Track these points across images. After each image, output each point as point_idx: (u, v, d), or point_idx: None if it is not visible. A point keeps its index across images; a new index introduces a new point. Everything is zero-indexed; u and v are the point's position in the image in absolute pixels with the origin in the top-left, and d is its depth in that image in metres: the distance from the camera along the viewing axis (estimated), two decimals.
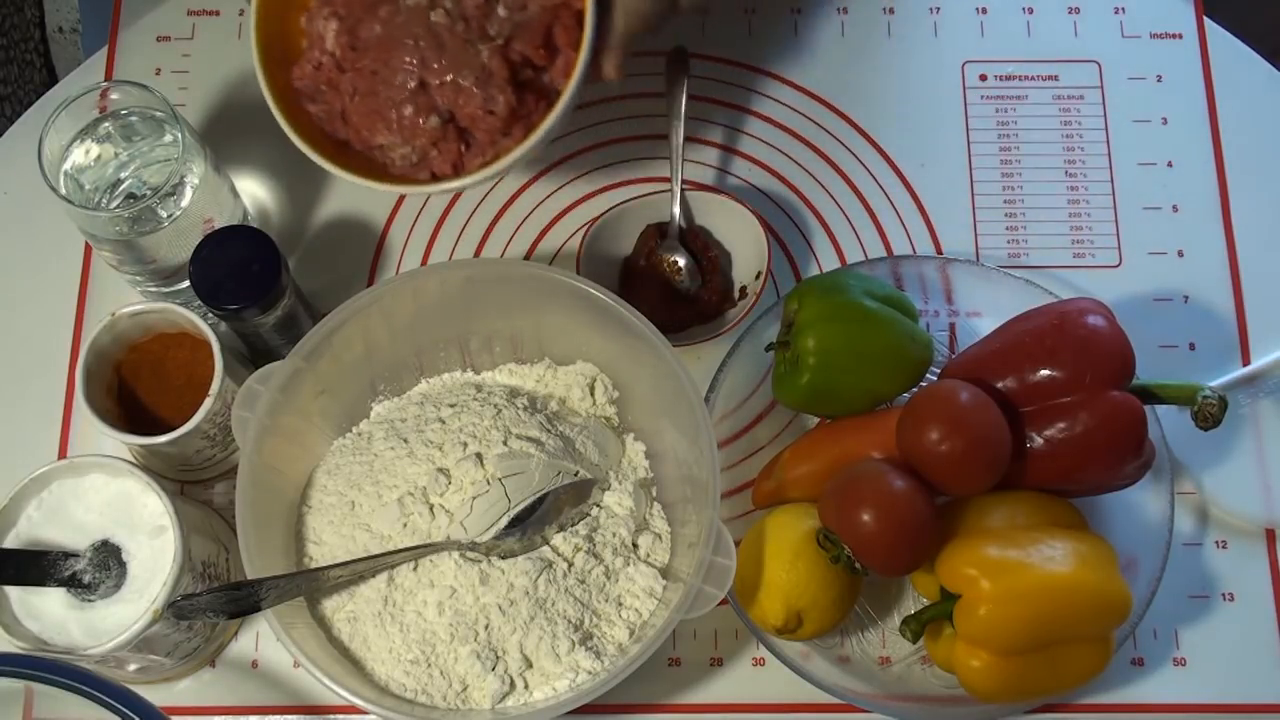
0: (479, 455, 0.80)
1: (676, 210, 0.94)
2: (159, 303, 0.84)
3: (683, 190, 0.94)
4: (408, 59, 0.77)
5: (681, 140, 0.94)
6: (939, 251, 0.99)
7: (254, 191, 0.99)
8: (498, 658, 0.77)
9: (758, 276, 0.93)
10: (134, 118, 0.84)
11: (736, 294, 0.95)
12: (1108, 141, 1.02)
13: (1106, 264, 0.98)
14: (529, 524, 0.80)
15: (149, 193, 0.81)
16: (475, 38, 0.78)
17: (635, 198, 0.95)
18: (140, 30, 1.04)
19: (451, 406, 0.84)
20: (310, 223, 0.98)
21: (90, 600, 0.77)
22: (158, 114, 0.84)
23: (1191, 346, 0.96)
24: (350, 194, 0.98)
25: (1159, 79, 1.04)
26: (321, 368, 0.81)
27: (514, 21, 0.78)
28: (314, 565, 0.80)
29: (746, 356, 0.90)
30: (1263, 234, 0.99)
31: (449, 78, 0.77)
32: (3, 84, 1.24)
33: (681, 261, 0.94)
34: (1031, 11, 1.06)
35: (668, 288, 0.93)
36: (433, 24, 0.78)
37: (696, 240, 0.95)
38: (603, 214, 0.93)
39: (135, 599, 0.77)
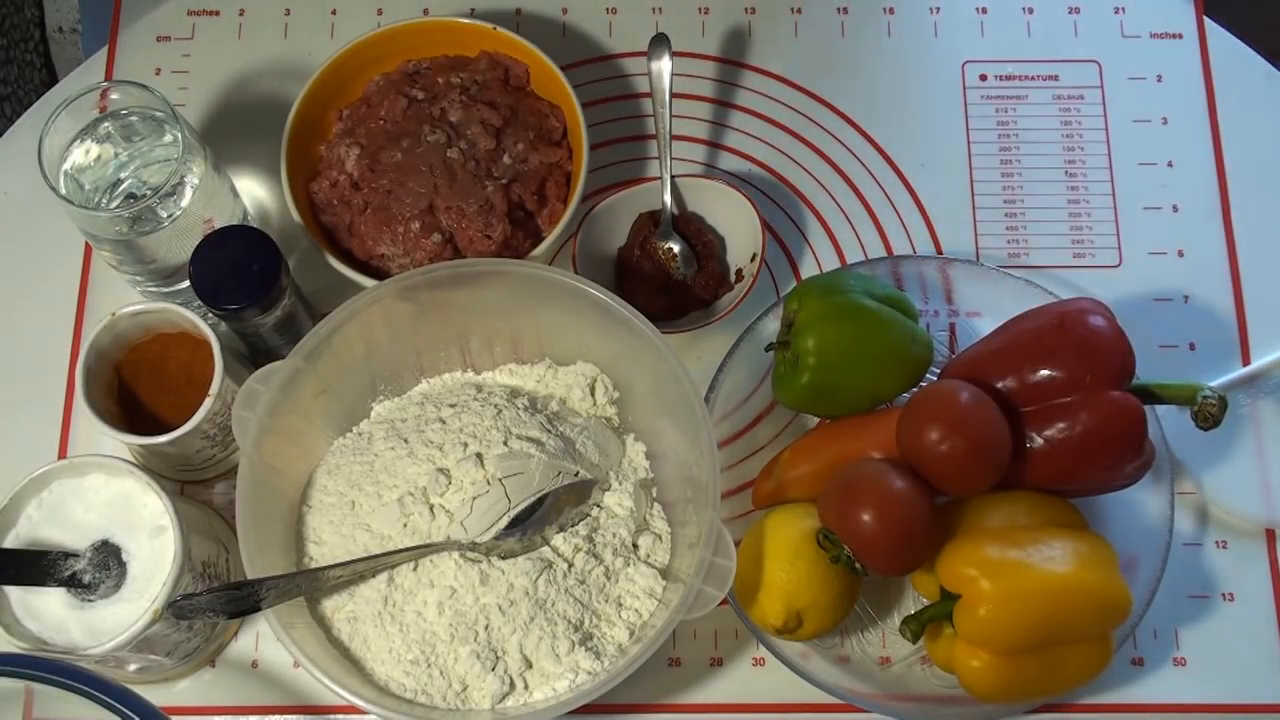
0: (479, 455, 0.80)
1: (668, 198, 0.94)
2: (159, 303, 0.84)
3: (673, 178, 0.94)
4: (422, 183, 0.89)
5: (669, 126, 0.94)
6: (939, 251, 0.99)
7: (254, 191, 0.99)
8: (498, 658, 0.77)
9: (753, 259, 0.93)
10: (134, 118, 0.84)
11: (732, 278, 0.95)
12: (1108, 141, 1.02)
13: (1106, 264, 0.98)
14: (529, 524, 0.80)
15: (149, 193, 0.81)
16: (483, 175, 0.89)
17: (626, 184, 0.95)
18: (140, 30, 1.04)
19: (452, 407, 0.84)
20: None
21: (90, 600, 0.77)
22: (158, 114, 0.84)
23: (1191, 346, 0.96)
24: None
25: (1159, 79, 1.04)
26: (321, 368, 0.81)
27: (516, 169, 0.91)
28: (314, 565, 0.80)
29: (746, 356, 0.90)
30: (1263, 234, 0.99)
31: (456, 204, 0.88)
32: (3, 84, 1.24)
33: (676, 248, 0.94)
34: (1031, 11, 1.06)
35: (664, 275, 0.94)
36: (448, 159, 0.89)
37: (690, 226, 0.95)
38: (594, 206, 0.93)
39: (135, 599, 0.77)
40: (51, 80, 1.33)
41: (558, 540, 0.81)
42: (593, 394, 0.88)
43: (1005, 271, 0.92)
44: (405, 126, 0.91)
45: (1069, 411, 0.79)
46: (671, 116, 0.95)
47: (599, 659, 0.78)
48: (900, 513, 0.77)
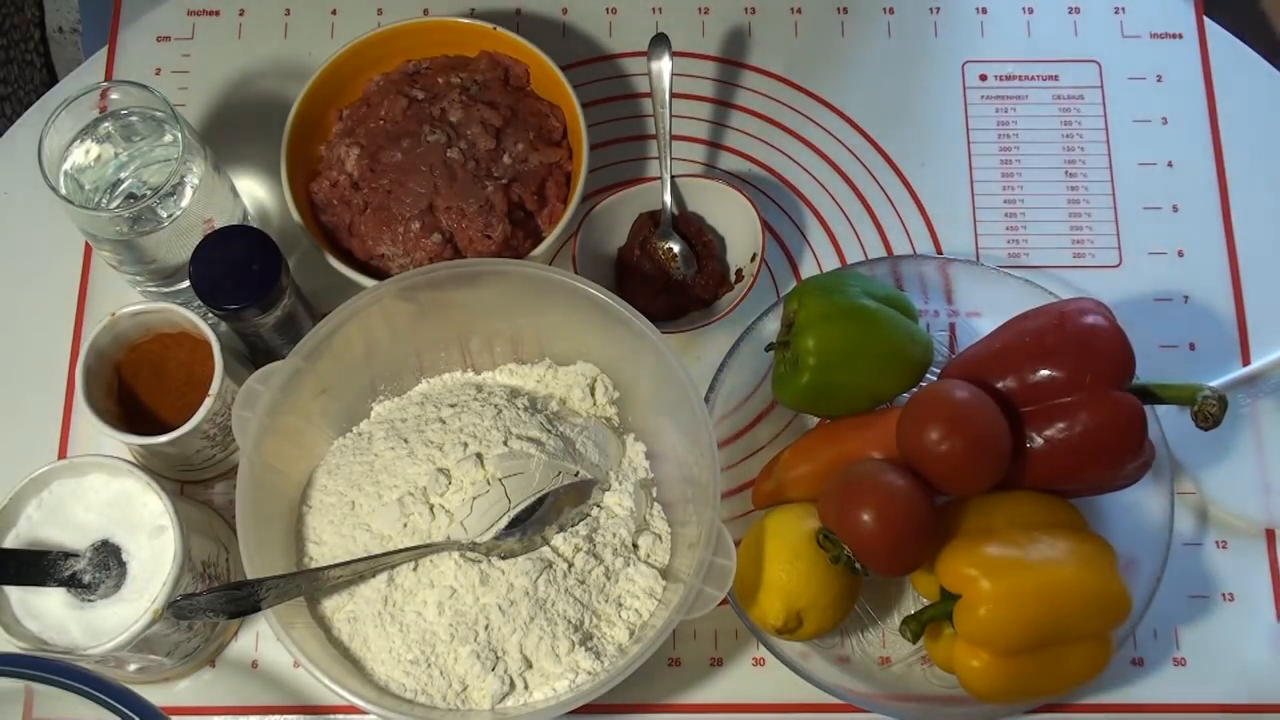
0: (479, 455, 0.80)
1: (668, 198, 0.94)
2: (159, 303, 0.84)
3: (673, 178, 0.94)
4: (422, 183, 0.89)
5: (669, 126, 0.94)
6: (939, 251, 0.99)
7: (254, 191, 0.99)
8: (498, 658, 0.77)
9: (753, 259, 0.93)
10: (134, 118, 0.84)
11: (733, 278, 0.95)
12: (1108, 141, 1.02)
13: (1106, 264, 0.98)
14: (529, 524, 0.80)
15: (149, 193, 0.81)
16: (483, 175, 0.89)
17: (626, 184, 0.96)
18: (140, 30, 1.04)
19: (452, 406, 0.84)
20: None
21: (90, 600, 0.77)
22: (158, 114, 0.84)
23: (1191, 346, 0.96)
24: None
25: (1159, 79, 1.04)
26: (321, 368, 0.81)
27: (516, 169, 0.91)
28: (314, 565, 0.80)
29: (746, 356, 0.90)
30: (1263, 234, 0.99)
31: (456, 204, 0.88)
32: (3, 84, 1.24)
33: (676, 248, 0.94)
34: (1031, 11, 1.06)
35: (664, 275, 0.94)
36: (448, 159, 0.89)
37: (690, 226, 0.95)
38: (594, 206, 0.93)
39: (135, 599, 0.77)
40: (51, 80, 1.33)
41: (558, 540, 0.81)
42: (593, 394, 0.88)
43: (1005, 271, 0.92)
44: (405, 126, 0.91)
45: (1069, 411, 0.79)
46: (671, 116, 0.95)
47: (599, 659, 0.78)
48: (900, 513, 0.77)
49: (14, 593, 0.77)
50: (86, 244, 0.96)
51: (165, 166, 0.84)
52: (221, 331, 0.85)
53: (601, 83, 1.03)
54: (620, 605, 0.80)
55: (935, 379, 0.89)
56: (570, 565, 0.80)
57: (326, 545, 0.81)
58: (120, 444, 0.84)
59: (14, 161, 0.99)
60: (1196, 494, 0.92)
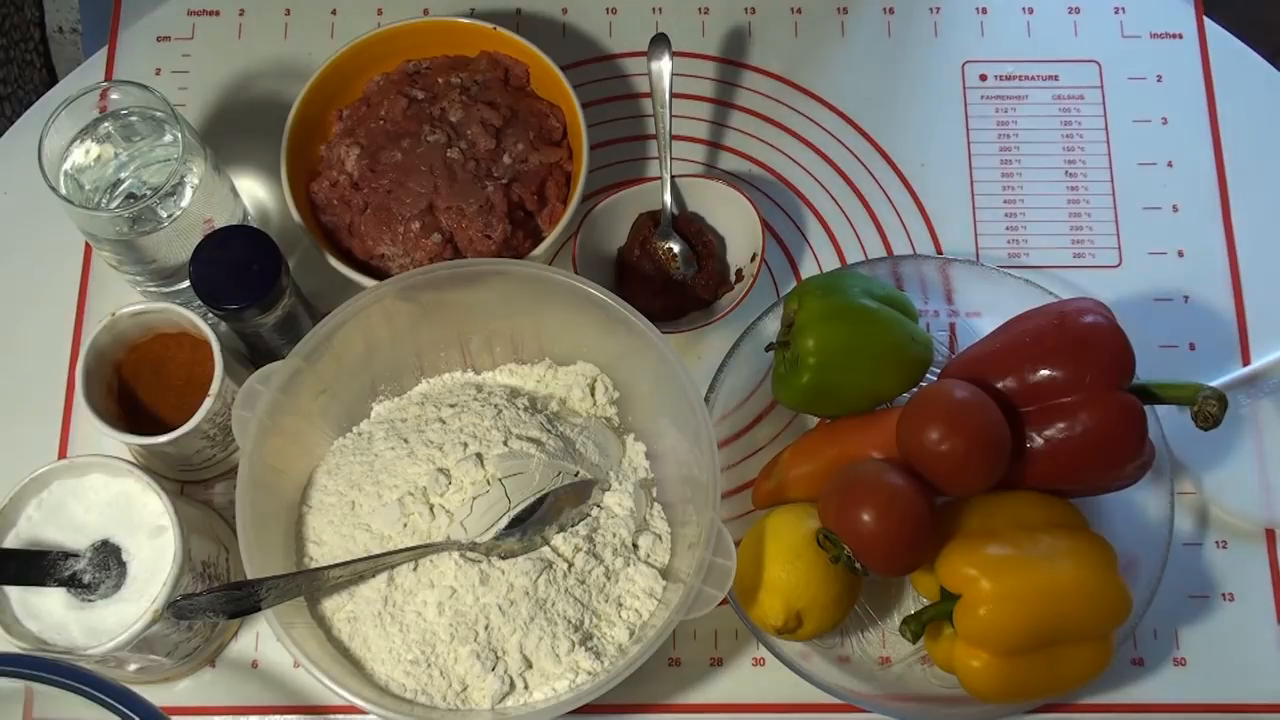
0: (479, 455, 0.80)
1: (668, 198, 0.94)
2: (159, 303, 0.84)
3: (673, 178, 0.94)
4: (422, 183, 0.88)
5: (669, 126, 0.94)
6: (939, 251, 0.99)
7: (254, 191, 0.99)
8: (498, 658, 0.77)
9: (753, 259, 0.93)
10: (134, 118, 0.84)
11: (733, 278, 0.95)
12: (1108, 141, 1.02)
13: (1106, 264, 0.98)
14: (529, 524, 0.80)
15: (149, 193, 0.81)
16: (483, 175, 0.89)
17: (626, 184, 0.96)
18: (140, 30, 1.04)
19: (452, 407, 0.84)
20: None
21: (90, 600, 0.77)
22: (158, 114, 0.84)
23: (1191, 346, 0.96)
24: None
25: (1159, 79, 1.04)
26: (322, 368, 0.81)
27: (516, 169, 0.91)
28: (314, 565, 0.80)
29: (746, 356, 0.90)
30: (1263, 234, 0.99)
31: (456, 204, 0.88)
32: (3, 84, 1.24)
33: (676, 248, 0.94)
34: (1031, 11, 1.06)
35: (664, 275, 0.94)
36: (448, 159, 0.89)
37: (690, 226, 0.95)
38: (594, 206, 0.93)
39: (135, 599, 0.77)
40: (51, 80, 1.33)
41: (558, 540, 0.81)
42: (593, 394, 0.88)
43: (1005, 271, 0.92)
44: (405, 126, 0.91)
45: (1069, 411, 0.79)
46: (671, 116, 0.95)
47: (599, 659, 0.78)
48: (900, 513, 0.77)
49: (14, 593, 0.77)
50: (86, 244, 0.96)
51: (165, 166, 0.84)
52: (221, 331, 0.85)
53: (601, 83, 1.03)
54: (620, 605, 0.80)
55: (935, 379, 0.89)
56: (570, 565, 0.80)
57: (326, 545, 0.81)
58: (120, 444, 0.84)
59: (14, 161, 0.99)
60: (1196, 494, 0.92)
